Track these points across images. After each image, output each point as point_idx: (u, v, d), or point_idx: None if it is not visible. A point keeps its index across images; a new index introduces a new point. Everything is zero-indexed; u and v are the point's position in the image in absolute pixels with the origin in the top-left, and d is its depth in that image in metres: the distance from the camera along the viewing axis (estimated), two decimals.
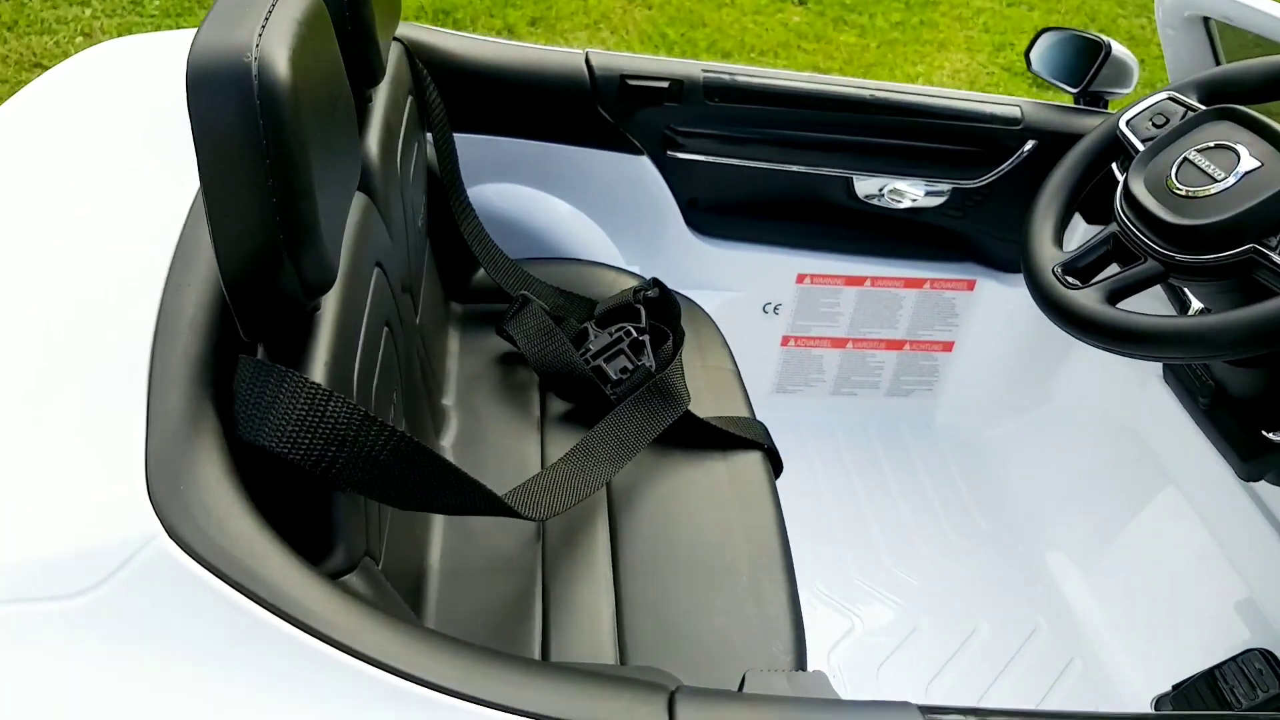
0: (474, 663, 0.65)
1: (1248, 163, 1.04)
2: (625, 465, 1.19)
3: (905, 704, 0.69)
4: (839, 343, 1.89)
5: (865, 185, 1.70)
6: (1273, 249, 1.01)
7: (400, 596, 0.91)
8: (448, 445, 1.27)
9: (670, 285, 1.64)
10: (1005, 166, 1.67)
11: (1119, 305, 1.09)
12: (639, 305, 1.41)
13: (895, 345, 1.90)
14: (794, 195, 1.72)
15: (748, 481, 1.28)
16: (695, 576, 1.14)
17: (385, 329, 0.97)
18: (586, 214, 1.70)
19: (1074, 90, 1.68)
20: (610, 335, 1.37)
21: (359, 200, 0.97)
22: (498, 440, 1.29)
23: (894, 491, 1.84)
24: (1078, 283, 1.13)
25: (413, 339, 1.16)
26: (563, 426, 1.32)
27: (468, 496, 0.88)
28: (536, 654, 1.05)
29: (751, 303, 1.82)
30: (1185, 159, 1.09)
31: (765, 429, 1.37)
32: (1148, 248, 1.09)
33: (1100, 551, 1.67)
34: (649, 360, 1.34)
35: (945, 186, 1.70)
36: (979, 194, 1.71)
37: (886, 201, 1.72)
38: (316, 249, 0.71)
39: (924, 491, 1.85)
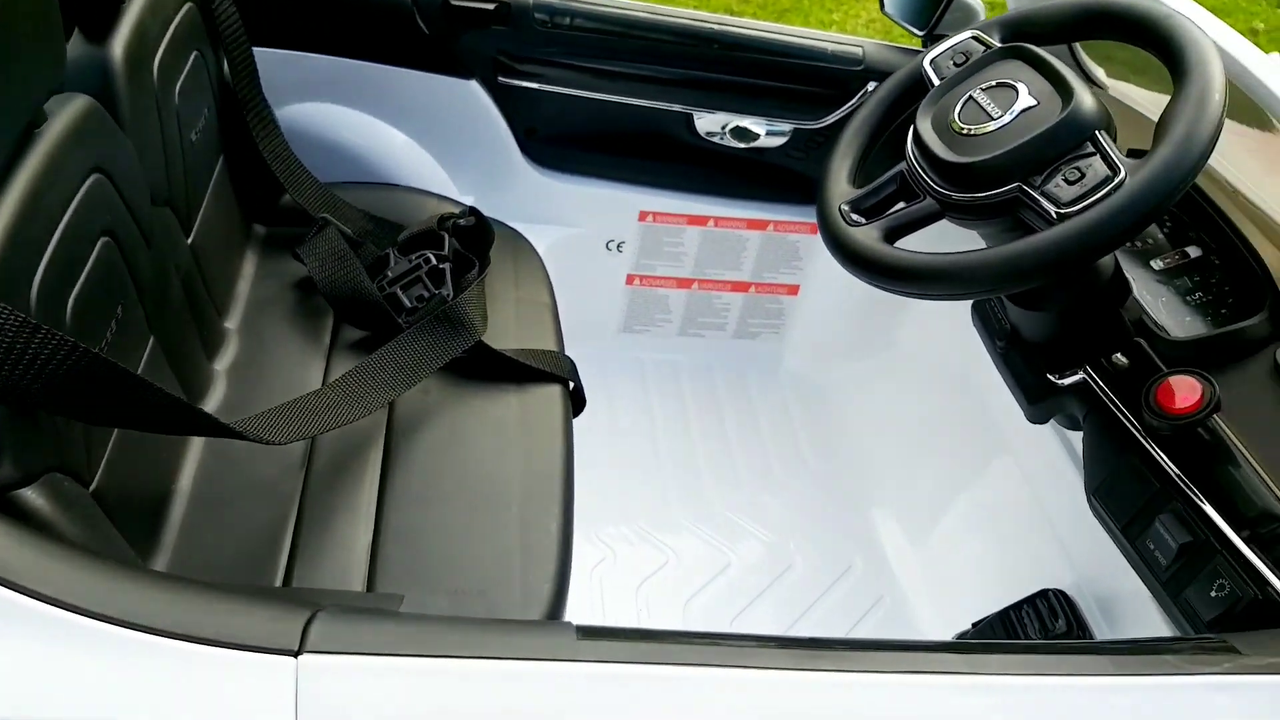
0: (88, 574, 0.63)
1: (1025, 101, 1.04)
2: (402, 393, 1.17)
3: (565, 624, 0.68)
4: (684, 283, 1.87)
5: (706, 122, 1.67)
6: (1036, 188, 1.01)
7: (116, 517, 0.88)
8: (221, 369, 1.23)
9: (508, 219, 1.61)
10: (846, 108, 1.65)
11: (898, 244, 1.08)
12: (444, 233, 1.37)
13: (741, 287, 1.89)
14: (635, 130, 1.68)
15: (539, 416, 1.26)
16: (462, 506, 1.12)
17: (104, 239, 0.92)
18: (418, 141, 1.64)
19: (921, 33, 1.66)
20: (410, 262, 1.33)
21: (79, 102, 0.91)
22: (278, 366, 1.25)
23: (730, 433, 1.84)
24: (862, 220, 1.13)
25: (172, 256, 1.11)
26: (352, 355, 1.29)
27: (170, 415, 0.85)
28: (278, 583, 1.02)
29: (594, 239, 1.79)
30: (970, 97, 1.08)
31: (572, 365, 1.35)
32: (927, 185, 1.08)
33: (922, 496, 1.69)
34: (448, 289, 1.31)
35: (786, 127, 1.68)
36: (821, 135, 1.69)
37: (728, 140, 1.69)
38: None
39: (760, 433, 1.85)
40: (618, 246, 1.80)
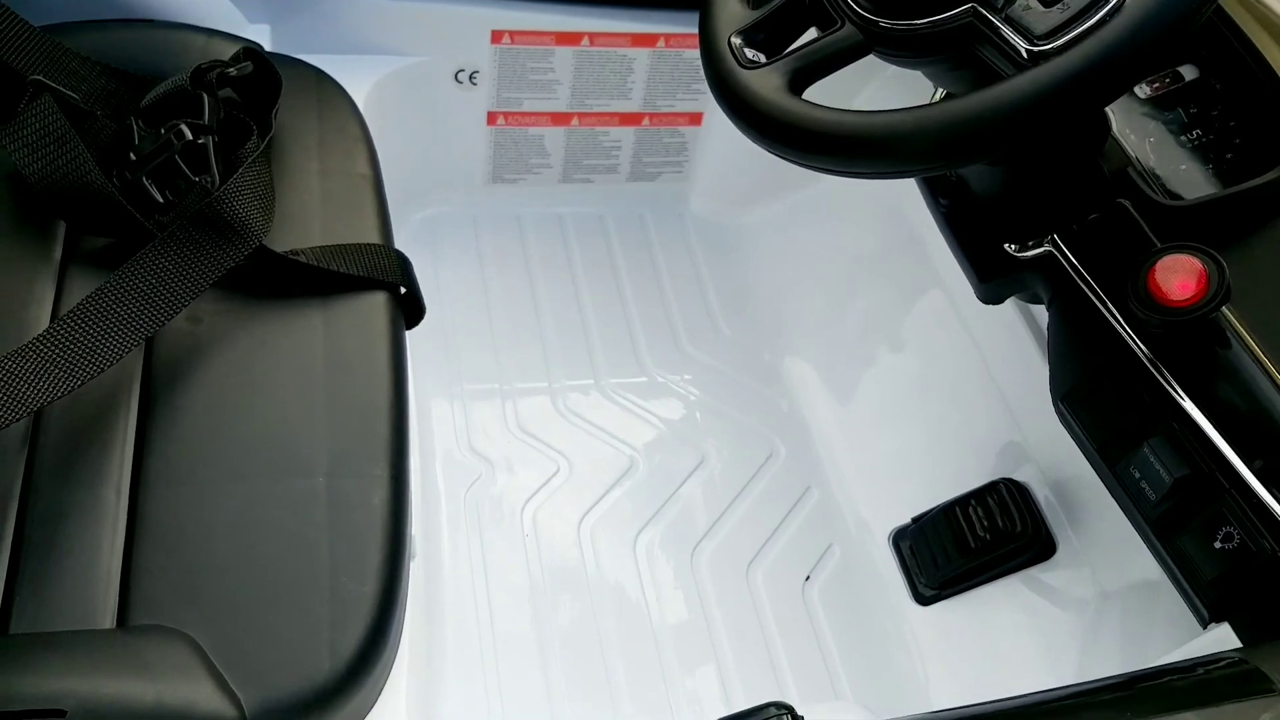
0: None
1: None
2: (156, 329, 0.85)
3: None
4: (560, 118, 1.52)
5: None
6: (999, 10, 0.70)
7: None
8: None
9: (318, 50, 1.24)
10: None
11: (804, 93, 0.78)
12: (202, 91, 1.00)
13: (631, 119, 1.55)
14: None
15: (354, 340, 0.96)
16: (248, 485, 0.84)
17: None
18: None
19: None
20: (160, 138, 0.97)
21: None
22: None
23: (626, 293, 1.55)
24: (760, 58, 0.82)
25: None
26: (95, 274, 0.96)
27: None
28: None
29: (439, 71, 1.42)
30: None
31: (401, 261, 1.04)
32: (846, 8, 0.77)
33: (852, 364, 1.44)
34: (213, 174, 0.97)
35: None
36: None
37: None
38: None
39: (662, 292, 1.57)
40: (470, 78, 1.44)
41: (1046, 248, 0.92)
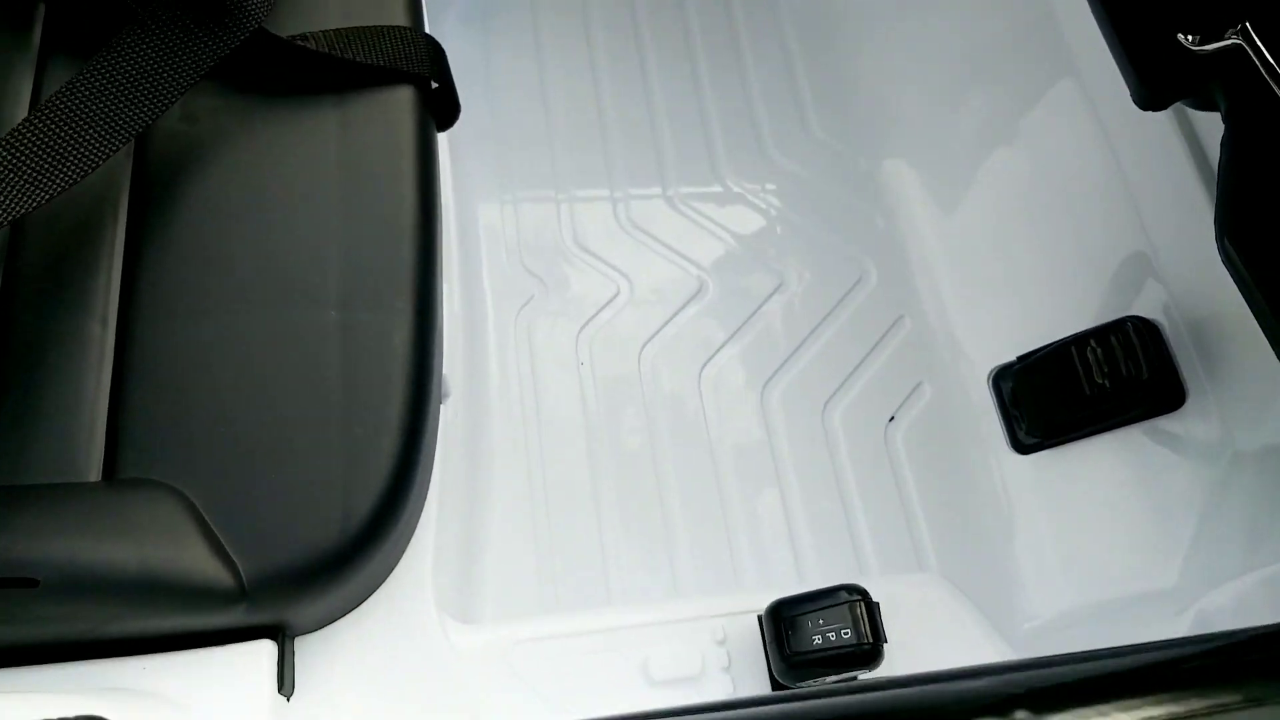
0: None
1: None
2: (143, 126, 0.72)
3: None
4: None
5: None
6: None
7: None
8: None
9: None
10: None
11: None
12: None
13: None
14: None
15: (375, 144, 0.81)
16: (251, 317, 0.73)
17: None
18: None
19: None
20: None
21: None
22: None
23: (704, 85, 1.35)
24: None
25: None
26: (77, 64, 0.82)
27: None
28: None
29: None
30: None
31: (434, 49, 0.87)
32: None
33: (962, 171, 1.25)
34: None
35: None
36: None
37: None
38: None
39: (745, 85, 1.36)
40: None
41: (1235, 40, 0.71)
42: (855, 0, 1.40)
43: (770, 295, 1.21)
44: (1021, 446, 1.10)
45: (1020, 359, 1.12)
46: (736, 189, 1.29)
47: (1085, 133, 1.13)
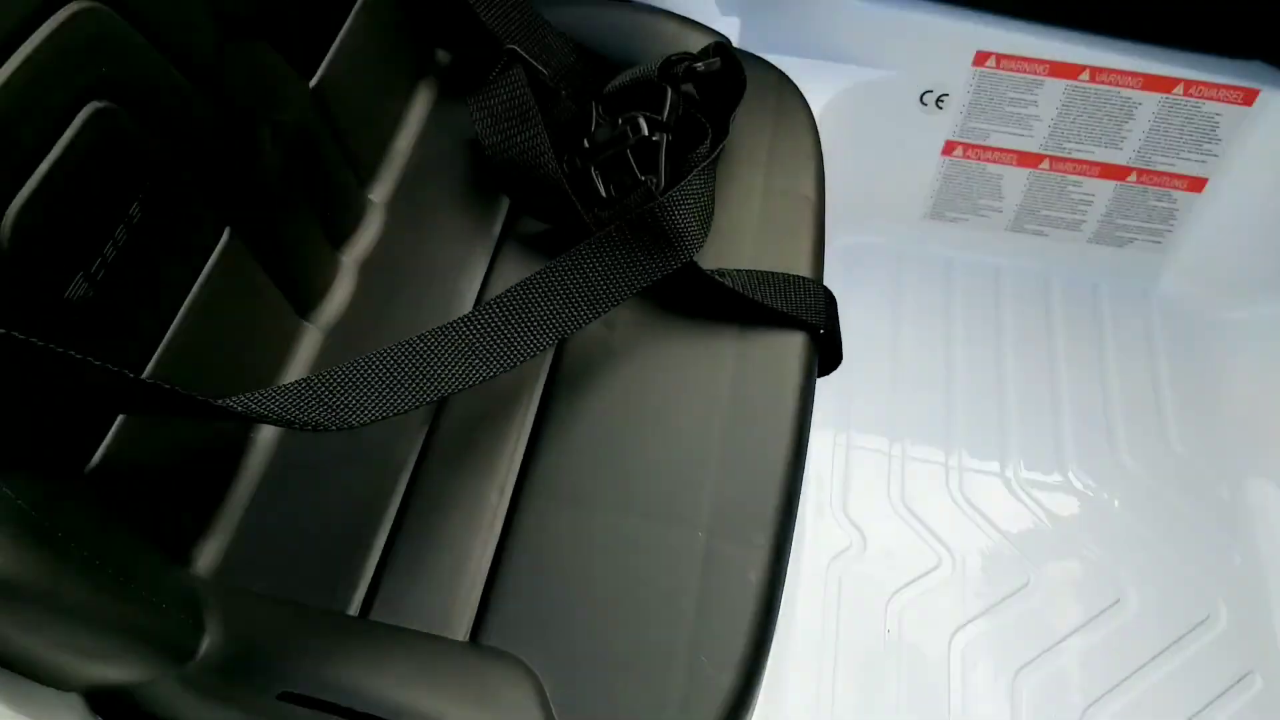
0: None
1: None
2: (573, 331, 0.80)
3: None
4: (1028, 159, 1.32)
5: None
6: None
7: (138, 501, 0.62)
8: (352, 260, 0.92)
9: (782, 51, 1.15)
10: None
11: None
12: (666, 84, 0.94)
13: (1115, 173, 1.31)
14: None
15: (764, 382, 0.85)
16: (628, 521, 0.76)
17: (94, 106, 0.60)
18: None
19: None
20: (616, 128, 0.92)
21: None
22: (426, 261, 0.92)
23: (1060, 372, 1.32)
24: None
25: (267, 110, 0.78)
26: (526, 256, 0.93)
27: (126, 399, 0.55)
28: (355, 605, 0.73)
29: (905, 88, 1.27)
30: None
31: (828, 298, 0.92)
32: None
33: None
34: (659, 175, 0.90)
35: None
36: None
37: None
38: None
39: (1104, 381, 1.32)
40: (937, 100, 1.28)
41: None
42: (1239, 315, 1.34)
43: (1101, 612, 1.12)
44: None
45: None
46: (1079, 484, 1.23)
47: None
